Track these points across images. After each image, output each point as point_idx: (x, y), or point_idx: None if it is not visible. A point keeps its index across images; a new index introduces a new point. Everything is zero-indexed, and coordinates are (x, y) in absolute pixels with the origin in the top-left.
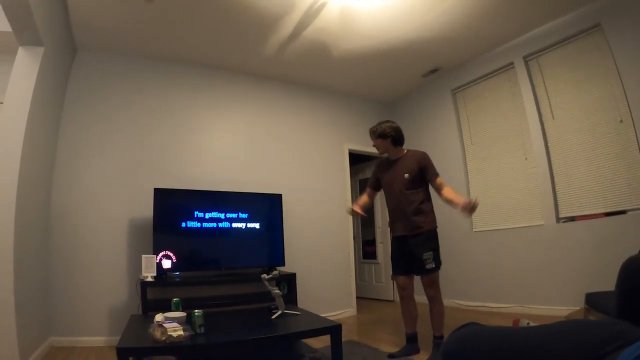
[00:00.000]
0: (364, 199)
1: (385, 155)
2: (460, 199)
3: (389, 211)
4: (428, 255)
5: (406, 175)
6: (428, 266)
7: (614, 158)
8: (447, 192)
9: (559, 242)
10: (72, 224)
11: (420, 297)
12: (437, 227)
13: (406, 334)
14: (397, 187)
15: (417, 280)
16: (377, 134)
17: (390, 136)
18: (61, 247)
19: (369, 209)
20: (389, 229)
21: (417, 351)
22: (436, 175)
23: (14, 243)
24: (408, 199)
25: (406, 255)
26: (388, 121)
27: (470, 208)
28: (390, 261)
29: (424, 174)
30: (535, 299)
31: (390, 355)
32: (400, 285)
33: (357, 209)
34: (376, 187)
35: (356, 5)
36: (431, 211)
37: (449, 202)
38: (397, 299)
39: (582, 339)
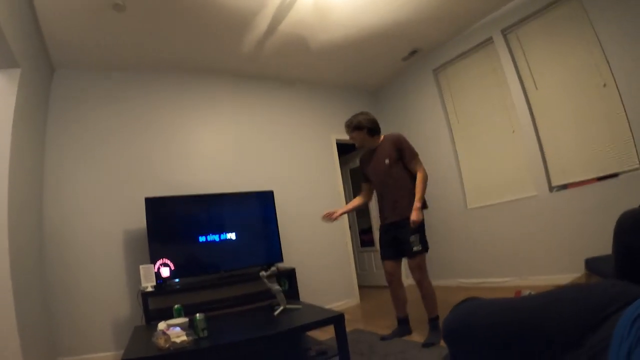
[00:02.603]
0: (356, 201)
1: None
2: (416, 205)
3: (377, 200)
4: (414, 237)
5: (386, 161)
6: (415, 248)
7: (600, 123)
8: (418, 182)
9: (553, 211)
10: (66, 241)
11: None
12: (425, 208)
13: (397, 318)
14: (380, 175)
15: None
16: (353, 127)
17: (365, 127)
18: (57, 266)
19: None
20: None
21: (408, 332)
22: (414, 155)
23: (10, 267)
24: (392, 184)
25: (394, 240)
26: (362, 113)
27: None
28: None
29: (401, 157)
30: (536, 269)
31: (383, 338)
32: (388, 270)
33: (327, 217)
34: (366, 180)
35: None
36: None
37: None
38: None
39: (582, 304)
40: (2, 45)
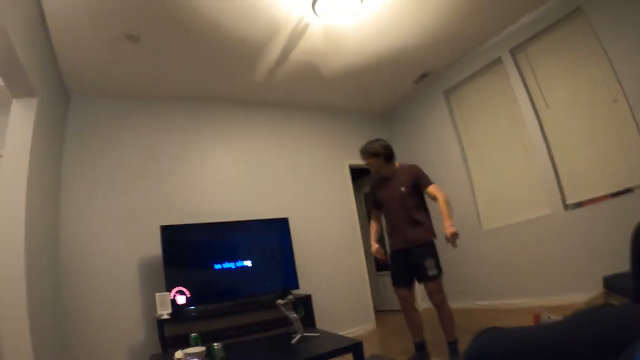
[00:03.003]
0: (375, 227)
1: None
2: (447, 223)
3: (387, 225)
4: (430, 262)
5: (402, 189)
6: (430, 273)
7: (612, 138)
8: (441, 204)
9: (569, 229)
10: (82, 268)
11: (427, 302)
12: (434, 237)
13: (414, 343)
14: (394, 202)
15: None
16: (370, 154)
17: (382, 154)
18: (73, 294)
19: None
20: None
21: (427, 357)
22: (429, 183)
23: (26, 294)
24: (405, 212)
25: (407, 266)
26: (378, 140)
27: (451, 240)
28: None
29: (418, 186)
30: (553, 289)
31: None
32: (402, 295)
33: (380, 252)
34: (378, 206)
35: (338, 23)
36: (428, 222)
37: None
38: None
39: (602, 329)
40: (20, 76)
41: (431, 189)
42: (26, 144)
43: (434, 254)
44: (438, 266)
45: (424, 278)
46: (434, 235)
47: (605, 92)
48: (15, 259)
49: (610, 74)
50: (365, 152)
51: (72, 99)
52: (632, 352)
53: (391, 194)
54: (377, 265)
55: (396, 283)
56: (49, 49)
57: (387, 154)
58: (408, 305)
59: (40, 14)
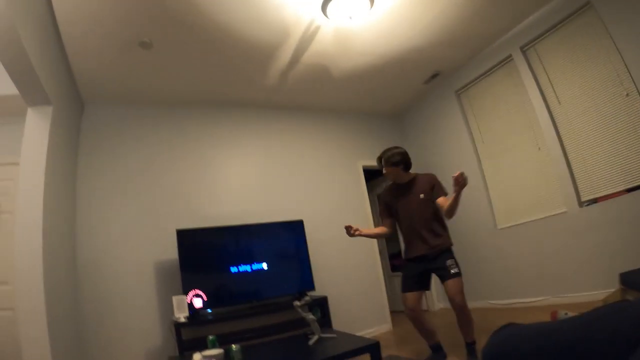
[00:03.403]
0: (379, 230)
1: (392, 181)
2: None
3: (403, 234)
4: (451, 261)
5: (422, 196)
6: (453, 270)
7: (626, 133)
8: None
9: (584, 226)
10: (99, 274)
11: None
12: (452, 244)
13: (430, 346)
14: (413, 209)
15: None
16: (391, 163)
17: (401, 163)
18: (91, 298)
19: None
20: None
21: (444, 357)
22: (445, 193)
23: (45, 301)
24: (425, 219)
25: (423, 273)
26: (395, 147)
27: (460, 181)
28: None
29: (434, 193)
30: (570, 287)
31: None
32: (409, 305)
33: (354, 230)
34: (390, 214)
35: (348, 25)
36: (446, 230)
37: (451, 200)
38: (431, 307)
39: (618, 324)
40: (35, 85)
41: (442, 200)
42: (42, 151)
43: (453, 257)
44: (459, 267)
45: (447, 277)
46: (451, 243)
47: (617, 86)
48: (33, 265)
49: (622, 67)
50: (385, 161)
51: (86, 106)
52: None
53: (409, 202)
54: (392, 266)
55: (405, 289)
56: (63, 57)
57: (406, 163)
58: (415, 315)
59: (53, 23)
